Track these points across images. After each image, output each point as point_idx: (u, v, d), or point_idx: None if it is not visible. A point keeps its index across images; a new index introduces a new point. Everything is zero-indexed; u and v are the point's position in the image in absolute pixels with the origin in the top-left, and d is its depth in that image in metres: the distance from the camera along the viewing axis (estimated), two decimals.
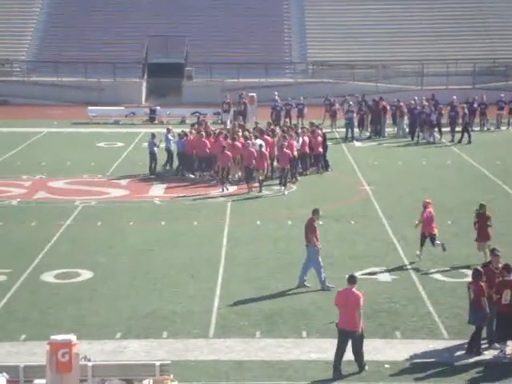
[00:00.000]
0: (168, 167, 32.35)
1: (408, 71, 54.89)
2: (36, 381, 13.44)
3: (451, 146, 38.02)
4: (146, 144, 33.14)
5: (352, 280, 15.05)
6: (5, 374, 12.93)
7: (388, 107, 40.90)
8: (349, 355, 15.27)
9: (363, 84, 53.21)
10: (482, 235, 20.41)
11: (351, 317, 14.69)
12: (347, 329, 14.73)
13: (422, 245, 20.74)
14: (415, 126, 39.21)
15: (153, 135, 32.33)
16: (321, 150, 31.95)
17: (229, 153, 29.36)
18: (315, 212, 19.37)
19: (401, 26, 59.58)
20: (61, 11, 61.18)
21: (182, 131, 32.62)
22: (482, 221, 20.63)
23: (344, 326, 14.77)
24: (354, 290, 14.97)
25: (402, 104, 40.76)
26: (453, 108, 39.99)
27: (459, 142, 38.44)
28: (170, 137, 32.41)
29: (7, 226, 24.44)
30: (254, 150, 29.29)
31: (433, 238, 20.72)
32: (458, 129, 39.86)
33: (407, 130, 40.17)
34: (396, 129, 40.90)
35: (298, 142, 30.97)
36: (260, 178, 29.09)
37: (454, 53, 56.24)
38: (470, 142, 38.32)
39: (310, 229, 19.04)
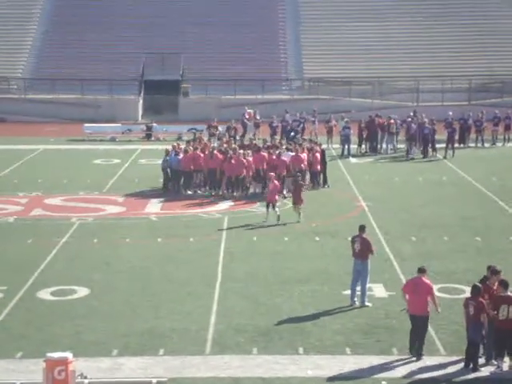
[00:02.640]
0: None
1: (403, 88, 55.09)
2: None
3: (447, 162, 38.11)
4: (161, 161, 32.68)
5: (421, 270, 16.52)
6: None
7: (389, 122, 40.89)
8: (346, 372, 15.24)
9: (359, 100, 53.39)
10: None
11: (421, 303, 16.14)
12: (418, 314, 16.15)
13: None
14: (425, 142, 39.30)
15: (167, 152, 32.19)
16: (318, 166, 32.02)
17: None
18: (364, 228, 19.25)
19: (396, 42, 59.85)
20: (57, 29, 61.37)
21: (180, 148, 32.59)
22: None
23: (415, 312, 16.19)
24: (423, 278, 16.38)
25: (392, 121, 40.85)
26: (450, 125, 40.09)
27: (444, 157, 38.57)
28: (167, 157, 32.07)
29: (3, 243, 24.41)
30: (286, 159, 30.33)
31: None
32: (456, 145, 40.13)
33: (397, 146, 40.38)
34: (388, 145, 40.96)
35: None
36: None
37: (450, 69, 56.49)
38: (446, 157, 38.64)
39: (370, 244, 18.96)
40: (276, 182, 27.49)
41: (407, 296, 16.45)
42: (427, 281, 16.41)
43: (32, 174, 35.41)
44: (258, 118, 44.50)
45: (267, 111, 47.19)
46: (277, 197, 27.15)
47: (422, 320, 16.16)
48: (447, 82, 54.35)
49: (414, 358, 15.99)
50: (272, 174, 28.11)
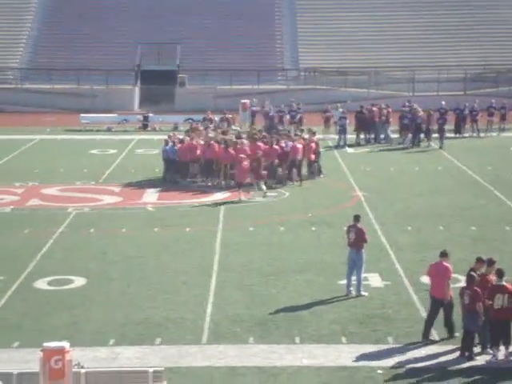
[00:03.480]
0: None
1: (399, 77, 55.09)
2: None
3: (442, 151, 38.15)
4: (160, 150, 32.73)
5: (443, 254, 16.75)
6: None
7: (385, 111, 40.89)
8: (341, 361, 15.34)
9: (355, 90, 53.37)
10: None
11: (442, 286, 16.35)
12: (437, 297, 16.41)
13: None
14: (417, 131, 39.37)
15: (166, 141, 32.21)
16: (313, 156, 32.08)
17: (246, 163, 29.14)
18: (358, 217, 19.28)
19: (392, 32, 59.82)
20: (53, 19, 61.25)
21: (176, 138, 32.60)
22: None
23: (436, 295, 16.48)
24: (444, 262, 16.59)
25: (389, 110, 40.92)
26: (442, 115, 40.13)
27: (440, 147, 38.56)
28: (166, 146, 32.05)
29: (0, 233, 24.42)
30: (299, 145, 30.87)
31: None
32: (450, 134, 40.15)
33: (392, 136, 40.45)
34: (384, 135, 41.00)
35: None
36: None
37: (446, 59, 56.50)
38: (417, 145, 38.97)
39: (365, 233, 18.98)
40: (246, 162, 28.68)
41: (430, 279, 16.80)
42: (447, 265, 16.61)
43: (28, 164, 35.41)
44: (266, 107, 43.67)
45: (257, 101, 47.08)
46: (248, 178, 28.93)
47: (442, 304, 16.34)
48: (443, 71, 54.36)
49: (424, 342, 16.17)
50: (242, 155, 29.05)
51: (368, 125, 40.71)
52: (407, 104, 42.12)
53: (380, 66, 55.90)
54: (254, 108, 43.38)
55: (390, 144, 40.11)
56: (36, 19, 61.80)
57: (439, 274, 16.52)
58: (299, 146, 31.26)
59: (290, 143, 31.22)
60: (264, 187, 28.92)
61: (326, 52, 58.39)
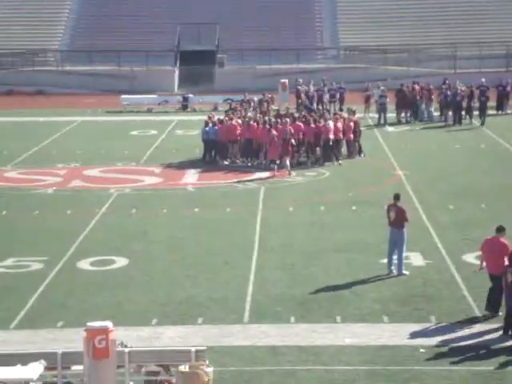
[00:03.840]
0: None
1: (441, 55, 54.49)
2: (73, 367, 13.63)
3: (484, 129, 37.74)
4: (200, 131, 32.77)
5: (500, 229, 16.54)
6: (42, 360, 13.11)
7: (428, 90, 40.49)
8: (383, 340, 15.32)
9: (395, 68, 52.94)
10: None
11: (497, 262, 16.07)
12: (495, 273, 16.12)
13: None
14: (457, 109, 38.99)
15: (206, 122, 32.29)
16: (352, 135, 31.89)
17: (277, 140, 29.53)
18: (398, 196, 19.20)
19: (433, 9, 59.14)
20: (93, 1, 61.48)
21: (218, 118, 32.70)
22: None
23: (492, 271, 16.25)
24: (501, 238, 16.38)
25: (431, 87, 40.57)
26: (483, 92, 39.61)
27: (482, 124, 38.14)
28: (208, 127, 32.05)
29: (43, 214, 24.71)
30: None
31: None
32: (492, 112, 39.70)
33: (434, 114, 40.08)
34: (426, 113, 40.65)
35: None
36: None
37: (488, 35, 55.73)
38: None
39: (405, 212, 18.86)
40: (277, 140, 29.25)
41: (484, 255, 16.58)
42: (505, 241, 16.35)
43: (70, 146, 35.70)
44: (310, 87, 43.36)
45: (304, 81, 46.86)
46: (276, 156, 29.28)
47: (498, 279, 16.09)
48: (485, 48, 53.66)
49: (487, 315, 16.22)
50: (274, 133, 29.43)
51: (409, 103, 40.38)
52: (447, 82, 41.66)
53: (421, 44, 55.33)
54: (300, 87, 42.91)
55: (431, 122, 39.77)
56: (75, 1, 62.08)
57: (494, 250, 16.23)
58: (331, 125, 30.99)
59: (327, 122, 31.06)
60: (288, 164, 29.25)
61: (366, 30, 57.91)
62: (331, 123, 31.13)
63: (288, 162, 29.35)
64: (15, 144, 36.18)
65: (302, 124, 31.20)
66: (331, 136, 30.75)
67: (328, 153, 30.84)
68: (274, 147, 29.45)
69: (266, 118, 32.16)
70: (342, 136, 31.44)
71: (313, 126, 30.98)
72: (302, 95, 42.09)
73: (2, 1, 61.56)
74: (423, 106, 40.55)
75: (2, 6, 61.08)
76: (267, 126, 30.57)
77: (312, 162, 30.79)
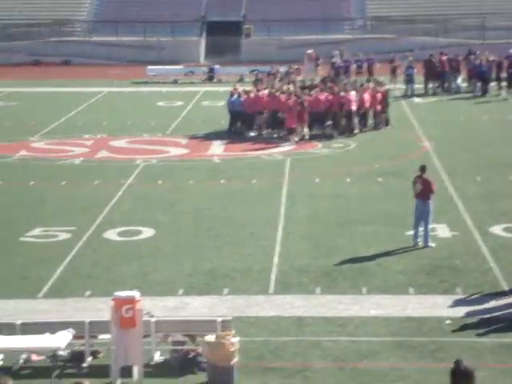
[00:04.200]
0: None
1: (469, 25, 53.92)
2: (101, 336, 13.79)
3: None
4: (226, 102, 32.78)
5: None
6: (71, 329, 13.27)
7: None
8: (409, 312, 15.33)
9: (423, 39, 52.47)
10: None
11: None
12: None
13: None
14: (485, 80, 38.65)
15: (231, 93, 32.26)
16: (379, 106, 31.72)
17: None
18: (425, 168, 19.10)
19: None
20: None
21: (244, 90, 32.62)
22: None
23: None
24: None
25: (459, 58, 40.18)
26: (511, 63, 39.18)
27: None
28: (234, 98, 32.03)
29: (70, 184, 24.87)
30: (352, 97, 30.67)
31: None
32: None
33: (462, 85, 39.72)
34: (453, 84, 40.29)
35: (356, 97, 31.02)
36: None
37: None
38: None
39: (432, 184, 18.77)
40: (294, 109, 29.60)
41: None
42: None
43: (97, 117, 35.83)
44: (346, 58, 43.13)
45: (330, 51, 46.66)
46: (294, 125, 29.70)
47: None
48: None
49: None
50: (290, 101, 29.87)
51: (437, 74, 40.01)
52: (477, 52, 41.21)
53: (449, 14, 54.75)
54: (336, 60, 42.46)
55: (459, 93, 39.43)
56: None
57: None
58: (353, 96, 30.82)
59: (349, 93, 30.91)
60: (306, 130, 30.06)
61: (393, 0, 57.37)
62: (354, 94, 31.00)
63: (306, 129, 30.01)
64: (42, 115, 36.36)
65: (328, 94, 31.05)
66: (353, 107, 30.62)
67: (348, 124, 30.75)
68: (291, 115, 29.60)
69: (292, 88, 32.05)
70: (368, 106, 31.30)
71: (332, 96, 30.83)
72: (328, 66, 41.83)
73: None
74: (451, 77, 40.18)
75: None
76: (294, 97, 30.54)
77: (338, 133, 30.68)
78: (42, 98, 41.69)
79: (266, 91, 32.04)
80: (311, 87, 32.43)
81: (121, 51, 54.13)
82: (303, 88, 32.35)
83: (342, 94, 30.90)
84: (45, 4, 58.50)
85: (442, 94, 39.62)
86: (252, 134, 31.55)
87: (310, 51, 45.46)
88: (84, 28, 56.89)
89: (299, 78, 37.25)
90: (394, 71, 41.57)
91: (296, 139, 29.83)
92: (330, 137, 30.34)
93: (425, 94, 39.73)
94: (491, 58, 39.31)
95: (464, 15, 54.88)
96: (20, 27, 56.04)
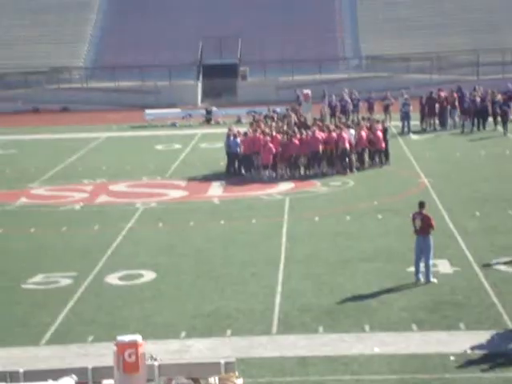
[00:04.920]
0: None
1: (463, 62, 54.37)
2: (104, 381, 13.72)
3: (510, 135, 37.55)
4: (223, 144, 33.24)
5: None
6: (73, 375, 13.21)
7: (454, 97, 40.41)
8: (413, 349, 15.29)
9: (418, 76, 52.87)
10: None
11: None
12: None
13: None
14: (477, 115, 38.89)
15: (228, 135, 32.47)
16: (383, 145, 31.86)
17: (297, 142, 30.60)
18: (423, 204, 19.20)
19: (454, 16, 59.06)
20: (116, 17, 62.01)
21: (238, 131, 32.83)
22: None
23: None
24: None
25: (454, 94, 40.45)
26: (505, 100, 39.39)
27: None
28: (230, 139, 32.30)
29: (71, 230, 24.91)
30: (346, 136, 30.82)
31: None
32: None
33: (458, 121, 39.94)
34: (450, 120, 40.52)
35: (353, 135, 31.23)
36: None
37: (510, 41, 55.50)
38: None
39: (431, 219, 18.83)
40: (271, 145, 30.39)
41: None
42: None
43: (96, 162, 35.97)
44: (354, 96, 43.31)
45: (326, 91, 46.99)
46: (267, 161, 30.54)
47: None
48: (508, 54, 53.44)
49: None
50: (267, 138, 30.67)
51: (435, 110, 40.18)
52: (474, 90, 41.39)
53: (443, 51, 55.24)
54: (334, 103, 42.72)
55: (455, 129, 39.64)
56: (98, 18, 62.61)
57: None
58: (345, 135, 31.01)
59: (343, 131, 31.11)
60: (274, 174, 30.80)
61: (387, 39, 57.92)
62: (352, 132, 31.22)
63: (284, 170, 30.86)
64: (42, 161, 36.51)
65: (323, 134, 31.25)
66: (347, 145, 30.81)
67: (342, 162, 30.89)
68: (266, 152, 30.29)
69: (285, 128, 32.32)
70: (366, 144, 31.51)
71: (334, 135, 31.05)
72: (325, 106, 42.10)
73: (26, 19, 62.20)
74: (447, 113, 40.40)
75: (27, 24, 61.73)
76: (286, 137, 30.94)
77: (335, 172, 30.83)
78: (42, 144, 41.90)
79: (264, 131, 32.20)
80: (308, 126, 32.63)
81: (119, 96, 54.51)
82: (300, 127, 32.54)
83: (336, 132, 31.10)
84: (42, 52, 59.01)
85: (439, 130, 39.82)
86: (250, 174, 31.66)
87: (306, 91, 45.78)
88: (82, 74, 57.33)
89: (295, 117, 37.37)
90: (386, 109, 41.75)
91: (267, 174, 30.67)
92: (326, 175, 30.51)
93: (421, 131, 39.93)
94: (479, 93, 39.51)
95: (458, 52, 55.34)
96: (18, 75, 56.46)
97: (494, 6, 59.08)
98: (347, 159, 30.87)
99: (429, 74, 52.95)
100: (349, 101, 42.85)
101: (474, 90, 40.91)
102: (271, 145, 30.61)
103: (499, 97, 39.11)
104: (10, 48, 59.01)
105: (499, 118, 38.67)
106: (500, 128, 38.63)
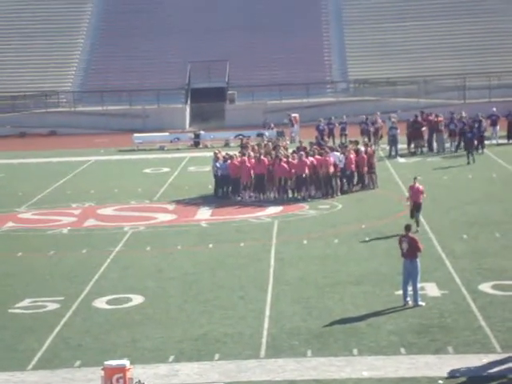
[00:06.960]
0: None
1: (450, 85, 54.73)
2: None
3: (497, 158, 37.74)
4: (210, 168, 33.40)
5: None
6: None
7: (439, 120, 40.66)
8: (401, 372, 15.27)
9: (405, 100, 53.15)
10: None
11: None
12: None
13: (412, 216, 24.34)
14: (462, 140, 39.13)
15: (216, 159, 32.51)
16: (365, 168, 31.98)
17: (285, 165, 30.85)
18: (409, 227, 19.26)
19: (441, 40, 59.51)
20: (104, 41, 62.17)
21: (227, 154, 32.89)
22: None
23: None
24: None
25: (440, 118, 40.70)
26: (494, 122, 39.69)
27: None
28: (217, 163, 32.40)
29: (59, 254, 24.83)
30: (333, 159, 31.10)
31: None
32: (503, 141, 39.67)
33: (444, 144, 40.16)
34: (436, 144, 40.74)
35: (341, 160, 31.31)
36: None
37: (497, 65, 55.95)
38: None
39: (418, 242, 18.88)
40: (249, 164, 30.94)
41: None
42: None
43: (84, 186, 35.92)
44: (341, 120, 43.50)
45: (314, 115, 47.25)
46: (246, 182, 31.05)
47: None
48: (494, 78, 53.84)
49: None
50: (247, 164, 31.13)
51: (422, 134, 40.40)
52: (454, 115, 41.66)
53: (430, 75, 55.59)
54: (321, 127, 42.80)
55: (442, 152, 39.83)
56: (86, 42, 62.75)
57: None
58: (328, 158, 31.10)
59: (328, 155, 31.24)
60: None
61: (375, 63, 58.29)
62: (338, 155, 31.31)
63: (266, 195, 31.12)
64: (29, 185, 36.44)
65: (312, 158, 31.35)
66: (331, 169, 30.88)
67: (327, 186, 30.98)
68: (244, 173, 30.97)
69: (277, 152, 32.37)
70: (354, 167, 31.61)
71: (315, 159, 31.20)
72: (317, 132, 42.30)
73: (13, 43, 62.30)
74: (433, 137, 40.62)
75: (14, 48, 61.82)
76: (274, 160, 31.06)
77: (323, 195, 30.91)
78: (29, 169, 41.85)
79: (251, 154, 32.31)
80: (296, 151, 32.75)
81: (107, 120, 54.57)
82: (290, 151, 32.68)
83: (321, 156, 31.22)
84: (29, 76, 59.05)
85: (426, 154, 40.00)
86: (238, 198, 31.69)
87: (294, 115, 45.98)
88: (69, 99, 57.37)
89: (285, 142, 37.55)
90: (376, 133, 41.87)
91: (247, 196, 31.02)
92: (314, 198, 30.58)
93: (409, 155, 40.09)
94: (462, 117, 39.88)
95: (444, 76, 55.72)
96: (5, 100, 56.45)
97: (481, 31, 59.56)
98: (333, 182, 30.96)
99: (416, 98, 53.23)
100: (336, 124, 43.04)
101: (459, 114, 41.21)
102: (249, 164, 31.01)
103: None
104: None
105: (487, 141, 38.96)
106: (487, 151, 38.84)
